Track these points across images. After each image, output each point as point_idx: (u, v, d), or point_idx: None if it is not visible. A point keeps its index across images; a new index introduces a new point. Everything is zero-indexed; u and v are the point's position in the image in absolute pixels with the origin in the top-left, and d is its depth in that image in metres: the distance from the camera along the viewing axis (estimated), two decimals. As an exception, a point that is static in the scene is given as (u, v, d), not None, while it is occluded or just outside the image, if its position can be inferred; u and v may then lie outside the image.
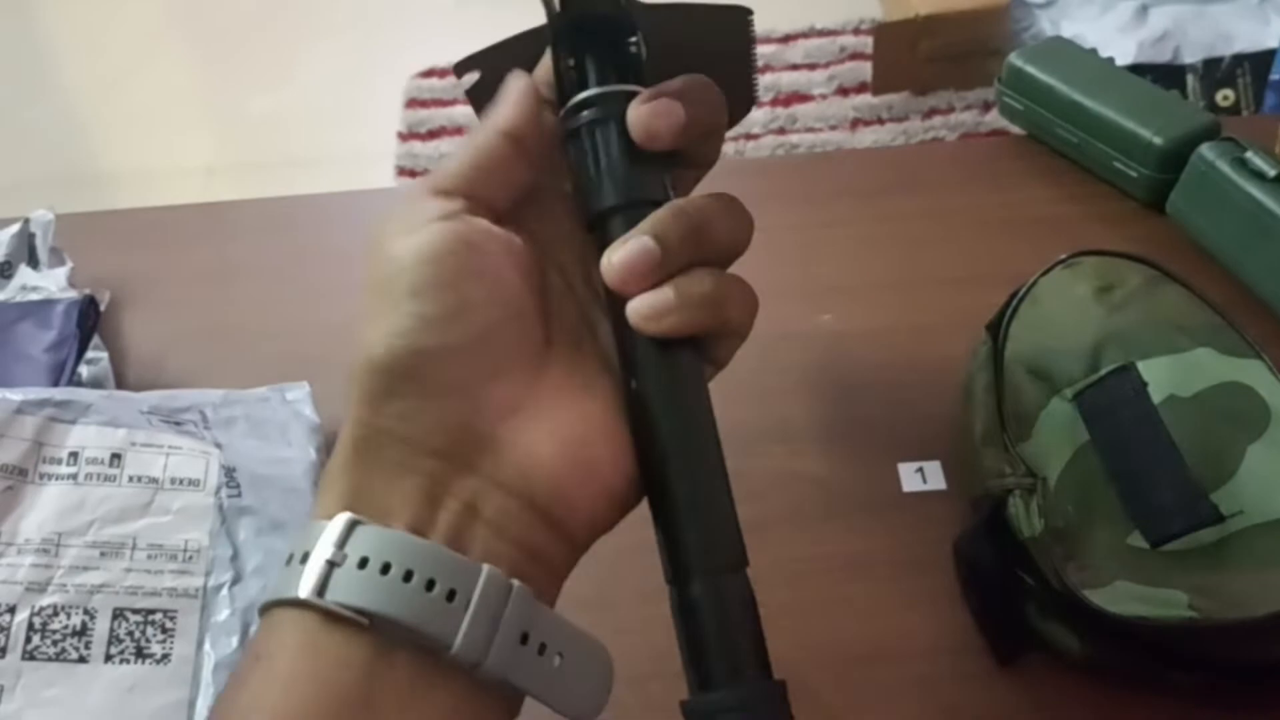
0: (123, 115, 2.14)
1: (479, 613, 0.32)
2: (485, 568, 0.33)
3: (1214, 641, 0.48)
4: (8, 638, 0.45)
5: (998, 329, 0.61)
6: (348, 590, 0.31)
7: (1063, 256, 0.63)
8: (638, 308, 0.36)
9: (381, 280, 0.36)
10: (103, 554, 0.48)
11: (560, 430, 0.36)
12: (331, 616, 0.31)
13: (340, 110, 2.05)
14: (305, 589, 0.32)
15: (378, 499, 0.34)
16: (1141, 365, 0.56)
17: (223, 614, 0.49)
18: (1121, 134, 0.73)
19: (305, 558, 0.32)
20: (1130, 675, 0.51)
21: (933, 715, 0.51)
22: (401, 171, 1.86)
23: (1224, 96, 1.41)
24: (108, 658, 0.46)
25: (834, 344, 0.68)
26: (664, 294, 0.36)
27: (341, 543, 0.32)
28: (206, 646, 0.48)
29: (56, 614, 0.46)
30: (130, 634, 0.47)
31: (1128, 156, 0.73)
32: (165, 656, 0.47)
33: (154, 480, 0.51)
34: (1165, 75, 1.56)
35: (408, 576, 0.32)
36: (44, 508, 0.49)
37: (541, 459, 0.35)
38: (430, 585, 0.32)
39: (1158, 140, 0.71)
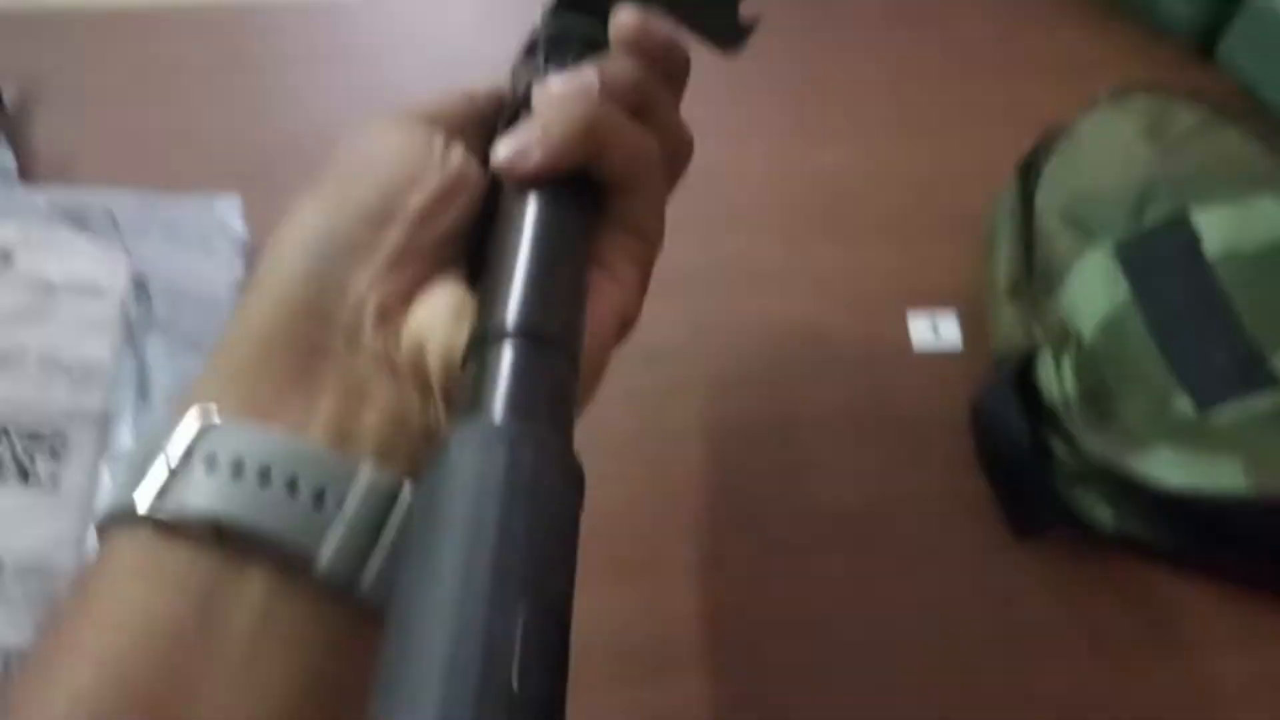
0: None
1: (356, 521, 0.26)
2: (364, 468, 0.27)
3: (1272, 518, 0.42)
4: None
5: (1029, 171, 0.54)
6: (191, 495, 0.26)
7: (1104, 91, 0.55)
8: (499, 150, 0.32)
9: (343, 162, 0.33)
10: (-18, 362, 0.41)
11: (451, 302, 0.31)
12: (172, 531, 0.25)
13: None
14: (141, 500, 0.26)
15: (247, 391, 0.28)
16: (1195, 214, 0.49)
17: (124, 440, 0.41)
18: (1171, -33, 0.65)
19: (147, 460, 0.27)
20: (1169, 554, 0.45)
21: (939, 588, 0.45)
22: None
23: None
24: (-15, 480, 0.39)
25: (839, 184, 0.60)
26: (527, 129, 0.32)
27: (190, 445, 0.26)
28: (104, 476, 0.40)
29: (-77, 428, 0.39)
30: (13, 456, 0.39)
31: (1177, -7, 0.65)
32: (54, 483, 0.39)
33: (49, 283, 0.43)
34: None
35: (264, 476, 0.26)
36: (-89, 305, 0.41)
37: (438, 325, 0.30)
38: (293, 486, 0.26)
39: (1212, -27, 0.63)
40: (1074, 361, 0.47)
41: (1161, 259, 0.49)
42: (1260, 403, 0.45)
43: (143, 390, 0.43)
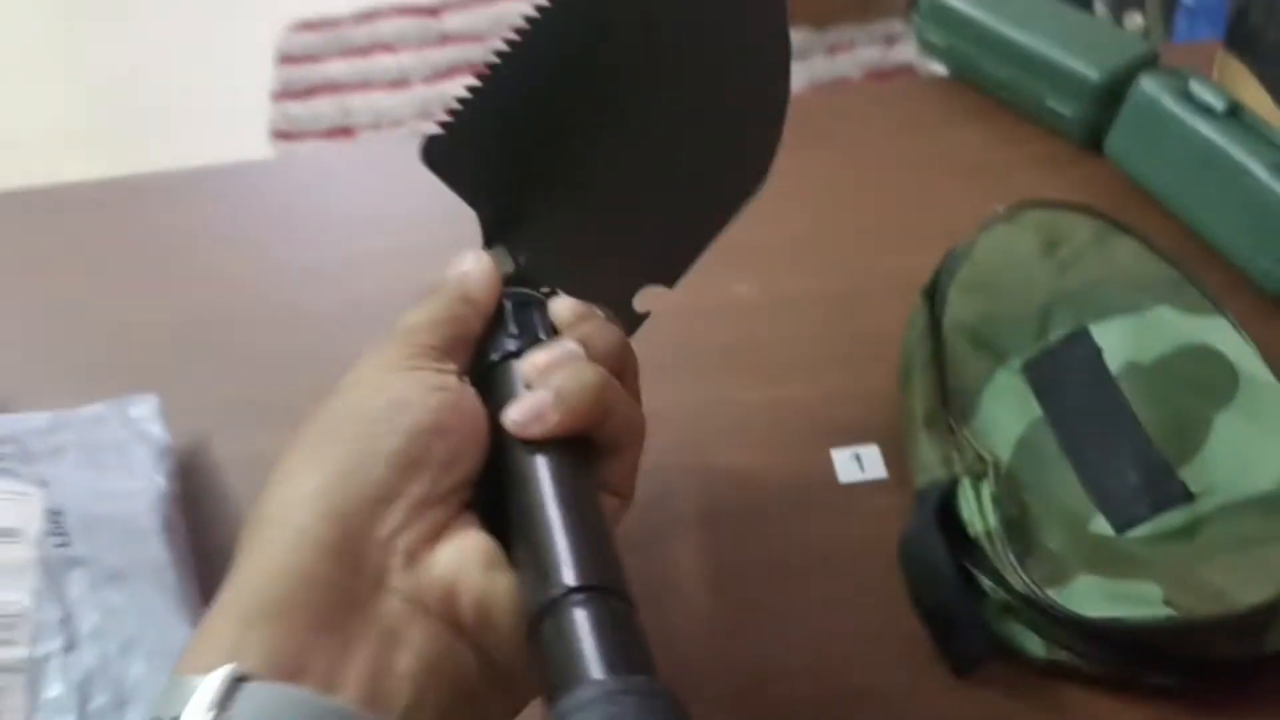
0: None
1: None
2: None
3: (1194, 639, 0.43)
4: None
5: (934, 294, 0.55)
6: None
7: (1000, 209, 0.57)
8: (517, 413, 0.35)
9: (368, 404, 0.35)
10: (-105, 629, 0.40)
11: (476, 549, 0.34)
12: None
13: (208, 66, 1.91)
14: None
15: (273, 640, 0.28)
16: (1095, 329, 0.51)
17: (54, 689, 0.41)
18: (1053, 68, 0.67)
19: None
20: (1102, 678, 0.46)
21: (885, 731, 0.46)
22: (277, 134, 1.74)
23: (1132, 21, 1.37)
24: (-94, 759, 0.38)
25: (752, 317, 0.61)
26: (543, 395, 0.35)
27: (222, 704, 0.27)
28: (34, 733, 0.40)
29: None
30: (-65, 728, 0.39)
31: (1061, 93, 0.67)
32: (-18, 749, 0.39)
33: (-40, 533, 0.43)
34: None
35: None
36: None
37: (465, 574, 0.33)
38: None
39: (1093, 74, 0.65)
40: (993, 490, 0.48)
41: (1067, 375, 0.51)
42: (1173, 519, 0.47)
43: (68, 633, 0.42)
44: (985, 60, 0.70)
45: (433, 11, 1.90)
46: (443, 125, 0.42)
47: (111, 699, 0.42)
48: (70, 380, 0.57)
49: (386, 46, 1.84)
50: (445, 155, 0.42)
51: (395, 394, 0.35)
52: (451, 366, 0.37)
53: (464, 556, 0.33)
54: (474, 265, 0.41)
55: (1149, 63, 0.65)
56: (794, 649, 0.49)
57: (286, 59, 1.85)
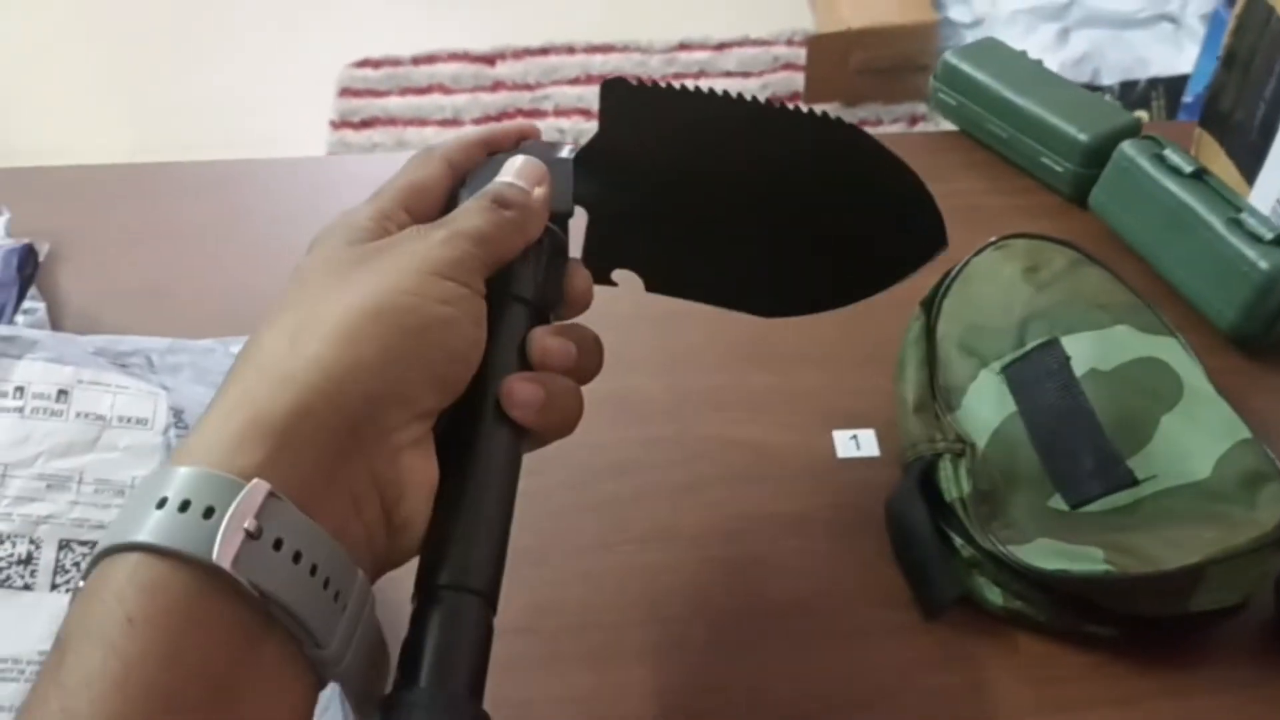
0: (42, 97, 2.09)
1: (350, 617, 0.33)
2: (360, 573, 0.33)
3: (1128, 594, 0.51)
4: (-49, 564, 0.45)
5: (931, 305, 0.64)
6: (261, 569, 0.30)
7: (993, 239, 0.66)
8: (517, 395, 0.39)
9: (420, 302, 0.37)
10: (49, 486, 0.48)
11: (430, 474, 0.38)
12: (225, 585, 0.30)
13: (272, 97, 2.03)
14: (221, 555, 0.29)
15: (294, 471, 0.32)
16: (1065, 340, 0.59)
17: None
18: (1048, 130, 0.76)
19: (209, 513, 0.30)
20: (1049, 627, 0.53)
21: (861, 664, 0.53)
22: (334, 156, 1.85)
23: (1139, 116, 1.47)
24: (53, 586, 0.46)
25: (773, 320, 0.69)
26: (539, 393, 0.40)
27: (259, 514, 0.30)
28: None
29: (1, 542, 0.46)
30: (76, 565, 0.47)
31: (1054, 152, 0.76)
32: (111, 588, 0.47)
33: (101, 417, 0.51)
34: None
35: (313, 570, 0.31)
36: (-11, 439, 0.48)
37: (414, 485, 0.37)
38: (326, 582, 0.32)
39: (1082, 137, 0.74)
40: (969, 467, 0.56)
41: (1039, 378, 0.59)
42: (1120, 498, 0.55)
43: (183, 507, 0.50)
44: (990, 119, 0.80)
45: (489, 59, 2.02)
46: (638, 81, 0.45)
47: (216, 562, 0.50)
48: (175, 325, 0.66)
49: (443, 87, 1.96)
50: (616, 97, 0.45)
51: (446, 312, 0.37)
52: (483, 290, 0.39)
53: (421, 475, 0.37)
54: (541, 200, 0.43)
55: (1132, 131, 0.74)
56: (789, 591, 0.56)
57: (347, 91, 1.97)
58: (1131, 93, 1.71)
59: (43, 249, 0.68)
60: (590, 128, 2.05)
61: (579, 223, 0.47)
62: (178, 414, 0.53)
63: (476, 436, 0.39)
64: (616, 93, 0.45)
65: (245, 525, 0.30)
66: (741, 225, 0.49)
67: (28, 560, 0.46)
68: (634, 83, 0.45)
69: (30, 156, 1.91)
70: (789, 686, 0.53)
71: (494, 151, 0.46)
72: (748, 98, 0.46)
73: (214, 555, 0.29)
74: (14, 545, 0.46)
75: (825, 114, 0.47)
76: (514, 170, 0.43)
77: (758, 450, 0.63)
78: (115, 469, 0.50)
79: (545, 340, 0.41)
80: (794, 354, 0.68)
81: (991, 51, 0.83)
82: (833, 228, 0.49)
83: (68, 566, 0.47)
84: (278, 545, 0.30)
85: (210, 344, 0.61)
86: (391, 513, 0.36)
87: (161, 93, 2.09)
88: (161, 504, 0.30)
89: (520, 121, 0.49)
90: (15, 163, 0.74)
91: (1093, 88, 1.68)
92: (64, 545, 0.47)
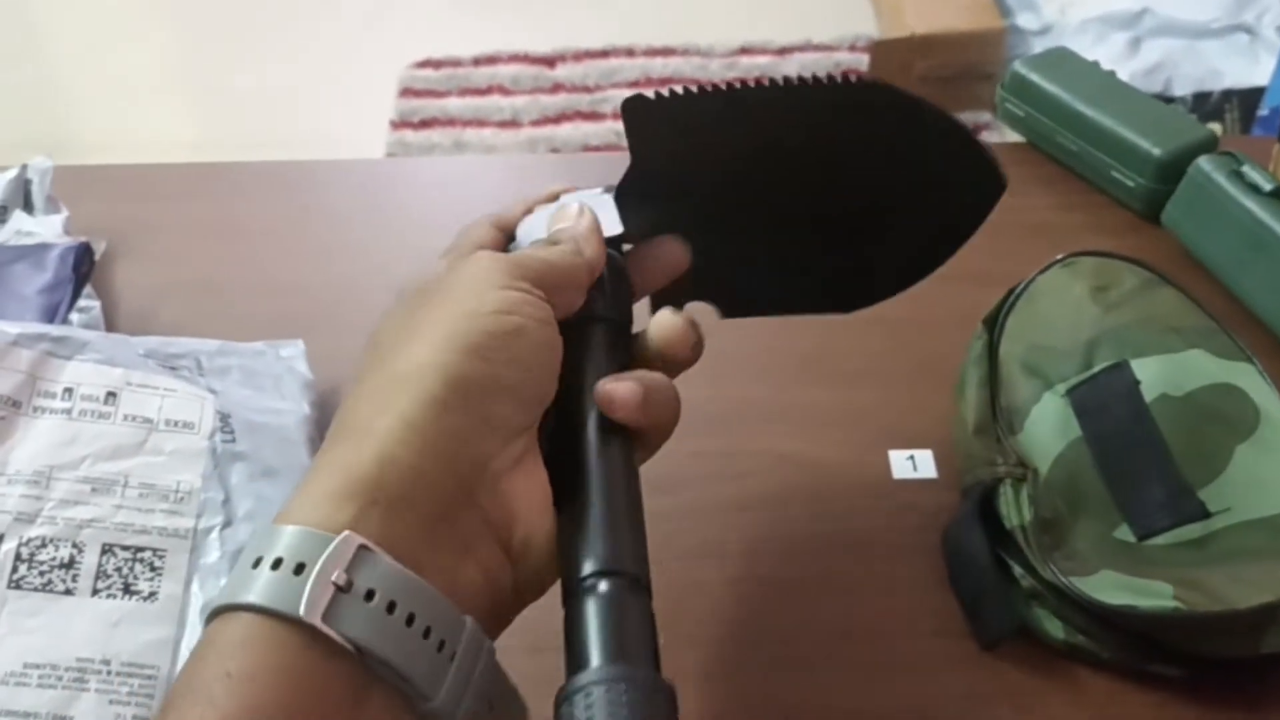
0: (107, 87, 2.12)
1: (460, 667, 0.32)
2: (468, 621, 0.33)
3: (1197, 633, 0.49)
4: (-6, 565, 0.45)
5: (994, 324, 0.62)
6: (353, 622, 0.30)
7: (1060, 256, 0.63)
8: (616, 395, 0.39)
9: (484, 319, 0.37)
10: (94, 489, 0.48)
11: (541, 489, 0.38)
12: (321, 641, 0.30)
13: (332, 95, 2.05)
14: (310, 610, 0.30)
15: (389, 527, 0.32)
16: (1135, 364, 0.57)
17: (212, 556, 0.48)
18: (1120, 144, 0.74)
19: (300, 569, 0.31)
20: (1112, 664, 0.51)
21: (914, 695, 0.52)
22: (392, 157, 1.86)
23: (1213, 129, 1.43)
24: (94, 591, 0.46)
25: (829, 333, 0.68)
26: (635, 388, 0.39)
27: (349, 566, 0.31)
28: (195, 587, 0.47)
29: (44, 545, 0.46)
30: (118, 570, 0.47)
31: (1125, 166, 0.74)
32: (153, 594, 0.46)
33: (148, 420, 0.51)
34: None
35: (410, 620, 0.31)
36: (36, 440, 0.48)
37: (526, 508, 0.36)
38: (427, 632, 0.31)
39: (1156, 151, 0.72)
40: (1031, 493, 0.54)
41: (1107, 402, 0.57)
42: (1190, 531, 0.52)
43: (228, 513, 0.50)
44: (1059, 132, 0.77)
45: (549, 61, 2.02)
46: (656, 95, 0.44)
47: (258, 570, 0.49)
48: (229, 324, 0.66)
49: (502, 89, 1.96)
50: (639, 116, 0.44)
51: (512, 320, 0.37)
52: (540, 292, 0.39)
53: (529, 494, 0.37)
54: (588, 226, 0.43)
55: (1208, 146, 0.72)
56: (841, 615, 0.55)
57: (408, 91, 1.98)
58: (1204, 105, 1.66)
59: (99, 247, 0.68)
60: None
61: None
62: (224, 418, 0.53)
63: (586, 445, 0.39)
64: (638, 112, 0.44)
65: (334, 578, 0.30)
66: (799, 219, 0.47)
67: (70, 564, 0.46)
68: (653, 97, 0.44)
69: (94, 150, 1.95)
70: (838, 714, 0.51)
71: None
72: (767, 80, 0.44)
73: (301, 610, 0.30)
74: (56, 549, 0.46)
75: (851, 76, 0.46)
76: (555, 220, 0.44)
77: (811, 467, 0.61)
78: (161, 473, 0.50)
79: (658, 324, 0.42)
80: (849, 368, 0.66)
81: (1062, 62, 0.80)
82: (890, 195, 0.47)
83: (110, 571, 0.46)
84: (369, 596, 0.31)
85: (260, 346, 0.61)
86: (509, 541, 0.36)
87: (224, 88, 2.11)
88: (258, 563, 0.31)
89: (555, 186, 0.48)
90: (80, 156, 0.75)
91: (1164, 99, 1.64)
92: (107, 550, 0.47)
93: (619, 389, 0.39)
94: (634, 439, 0.41)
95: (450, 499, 0.34)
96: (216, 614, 0.32)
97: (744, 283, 0.48)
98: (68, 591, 0.46)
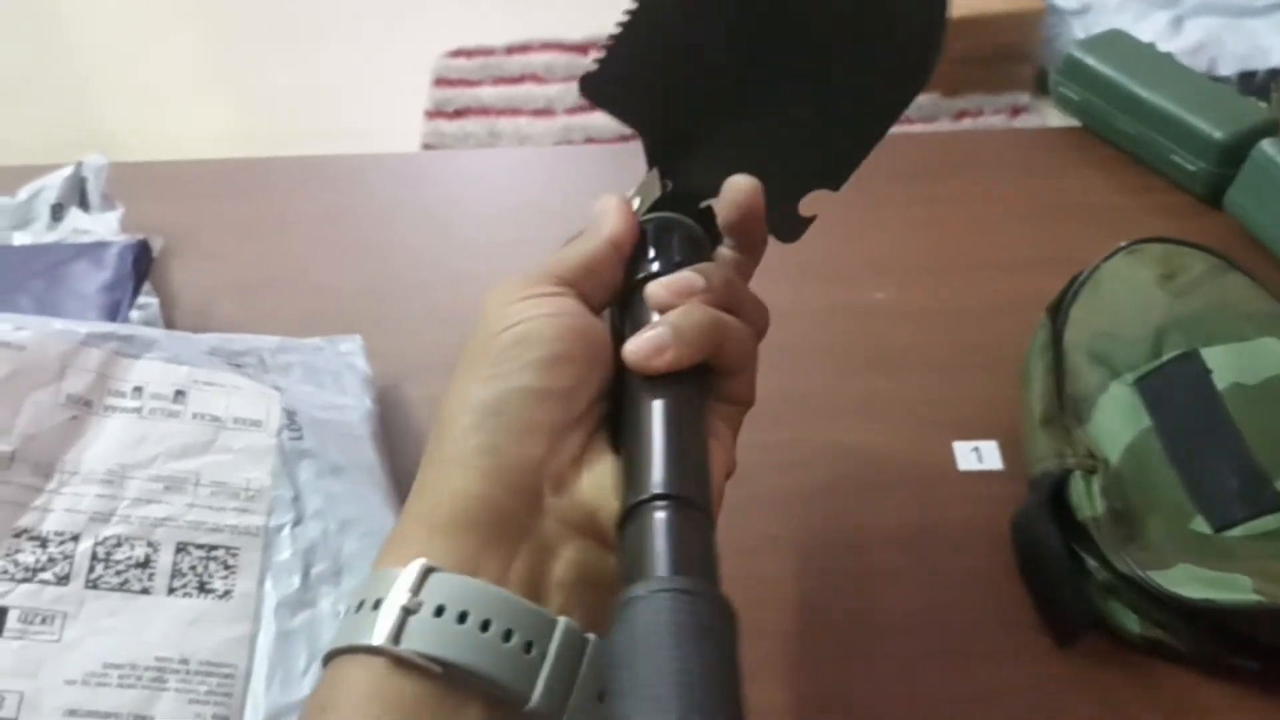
0: (141, 84, 2.13)
1: (556, 666, 0.32)
2: (562, 620, 0.33)
3: (1278, 626, 0.48)
4: (71, 566, 0.45)
5: (1057, 312, 0.61)
6: (423, 637, 0.31)
7: (1124, 243, 0.62)
8: (635, 348, 0.37)
9: (496, 340, 0.37)
10: (166, 488, 0.48)
11: (604, 460, 0.37)
12: (403, 664, 0.31)
13: (366, 86, 2.05)
14: (379, 635, 0.31)
15: (453, 548, 0.34)
16: (1205, 352, 0.56)
17: (284, 553, 0.48)
18: (1180, 127, 0.73)
19: (377, 605, 0.32)
20: (1191, 658, 0.50)
21: (984, 687, 0.51)
22: (427, 149, 1.85)
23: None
24: (170, 590, 0.46)
25: (889, 321, 0.68)
26: (660, 330, 0.37)
27: (416, 589, 0.32)
28: (268, 584, 0.47)
29: (120, 545, 0.46)
30: (193, 568, 0.47)
31: (1186, 150, 0.72)
32: (227, 592, 0.47)
33: (216, 418, 0.51)
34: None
35: (485, 626, 0.31)
36: (108, 439, 0.48)
37: (607, 495, 0.36)
38: (508, 636, 0.32)
39: (1218, 134, 0.71)
40: (1102, 484, 0.53)
41: (1177, 391, 0.56)
42: (1268, 522, 0.51)
43: (297, 510, 0.50)
44: (1117, 115, 0.76)
45: (582, 49, 2.01)
46: (599, 62, 0.43)
47: (329, 567, 0.49)
48: (285, 320, 0.66)
49: (536, 77, 1.96)
50: (602, 88, 0.43)
51: (517, 329, 0.37)
52: (569, 291, 0.39)
53: (602, 482, 0.36)
54: (611, 208, 0.42)
55: (1271, 129, 0.70)
56: (907, 607, 0.54)
57: (441, 81, 1.98)
58: (1250, 84, 1.64)
59: (156, 244, 0.68)
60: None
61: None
62: (290, 415, 0.53)
63: (633, 397, 0.37)
64: (598, 86, 0.43)
65: (402, 603, 0.31)
66: (782, 90, 0.44)
67: (145, 563, 0.46)
68: (595, 66, 0.43)
69: (130, 148, 1.96)
70: (904, 709, 0.51)
71: None
72: None
73: (373, 637, 0.31)
74: (132, 548, 0.46)
75: None
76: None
77: (873, 458, 0.61)
78: (231, 471, 0.50)
79: (652, 288, 0.39)
80: (909, 357, 0.66)
81: (1117, 43, 0.79)
82: (850, 27, 0.44)
83: (184, 570, 0.46)
84: (439, 612, 0.31)
85: (319, 342, 0.61)
86: (602, 532, 0.36)
87: (257, 82, 2.11)
88: (359, 608, 0.33)
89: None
90: (116, 154, 0.75)
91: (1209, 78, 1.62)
92: (181, 548, 0.47)
93: (638, 340, 0.37)
94: (711, 376, 0.39)
95: (510, 510, 0.35)
96: (328, 660, 0.33)
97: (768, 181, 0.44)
98: (144, 590, 0.46)
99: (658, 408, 0.36)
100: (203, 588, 0.46)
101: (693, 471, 0.35)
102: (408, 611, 0.31)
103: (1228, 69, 1.65)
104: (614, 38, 0.43)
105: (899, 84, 0.45)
